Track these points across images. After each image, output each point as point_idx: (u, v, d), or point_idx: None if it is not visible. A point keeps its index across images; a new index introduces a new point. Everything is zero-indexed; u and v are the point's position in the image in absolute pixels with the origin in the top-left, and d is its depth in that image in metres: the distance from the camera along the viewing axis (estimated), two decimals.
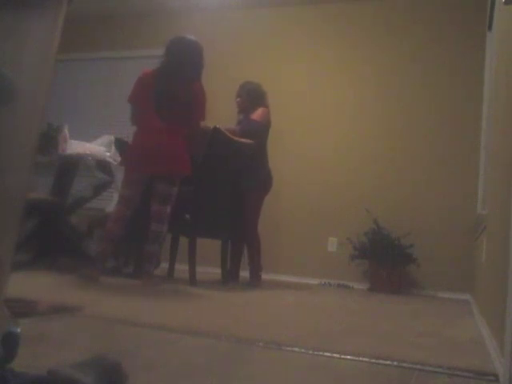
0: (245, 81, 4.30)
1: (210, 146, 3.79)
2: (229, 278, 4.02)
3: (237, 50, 5.65)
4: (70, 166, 4.06)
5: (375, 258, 4.59)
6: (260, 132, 4.08)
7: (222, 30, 5.70)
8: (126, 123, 3.73)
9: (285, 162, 5.06)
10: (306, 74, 5.43)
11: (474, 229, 4.38)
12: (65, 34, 0.92)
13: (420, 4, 5.14)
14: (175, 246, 4.01)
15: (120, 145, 4.09)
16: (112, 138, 4.22)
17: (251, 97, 4.18)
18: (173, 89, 3.46)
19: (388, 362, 1.69)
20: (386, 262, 4.53)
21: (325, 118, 5.30)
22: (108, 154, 4.13)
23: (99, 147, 4.13)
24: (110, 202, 4.69)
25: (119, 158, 3.96)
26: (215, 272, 4.14)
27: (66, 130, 3.98)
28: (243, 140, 3.94)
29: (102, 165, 4.14)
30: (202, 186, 3.81)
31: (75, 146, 3.99)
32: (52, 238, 3.93)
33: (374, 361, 1.70)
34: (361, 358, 1.72)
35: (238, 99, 4.26)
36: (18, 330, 0.92)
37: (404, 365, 1.68)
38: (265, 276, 4.36)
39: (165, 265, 4.02)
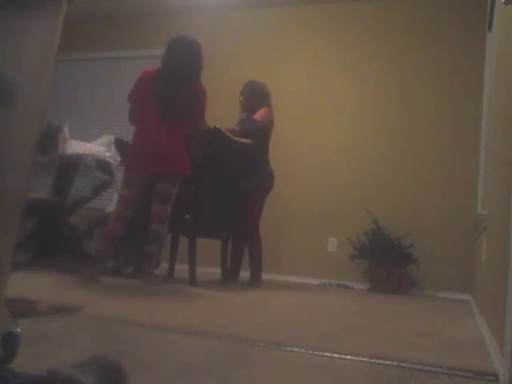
0: (249, 80, 4.29)
1: (209, 146, 3.78)
2: (229, 278, 4.02)
3: (237, 50, 5.65)
4: (70, 166, 4.06)
5: (375, 258, 4.59)
6: (261, 132, 4.07)
7: (222, 30, 5.70)
8: (126, 123, 3.72)
9: (285, 162, 5.06)
10: (306, 74, 5.43)
11: (474, 229, 4.38)
12: (65, 34, 0.92)
13: (420, 4, 5.14)
14: (175, 246, 4.01)
15: (120, 145, 4.09)
16: (112, 138, 4.22)
17: (254, 96, 4.17)
18: (173, 89, 3.46)
19: (388, 362, 1.69)
20: (385, 262, 4.53)
21: (325, 117, 5.30)
22: (108, 154, 4.12)
23: (99, 147, 4.13)
24: (110, 202, 4.69)
25: (119, 158, 3.96)
26: (215, 272, 4.14)
27: (66, 130, 3.97)
28: (243, 140, 3.94)
29: (102, 165, 4.14)
30: (202, 186, 3.81)
31: (75, 146, 3.99)
32: (52, 237, 3.93)
33: (374, 361, 1.70)
34: (361, 358, 1.72)
35: (242, 98, 4.25)
36: (18, 330, 0.92)
37: (404, 365, 1.68)
38: (265, 276, 4.36)
39: (165, 265, 4.02)
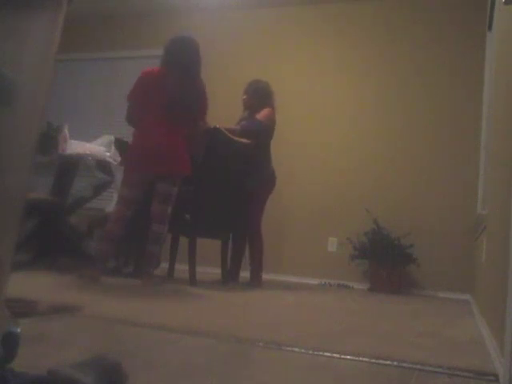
0: (253, 79, 4.29)
1: (209, 146, 3.78)
2: (229, 278, 4.02)
3: (237, 50, 5.66)
4: (70, 166, 4.06)
5: (375, 258, 4.59)
6: (261, 132, 4.07)
7: (222, 30, 5.70)
8: (126, 123, 3.72)
9: (285, 162, 5.06)
10: (306, 74, 5.43)
11: (474, 229, 4.38)
12: (65, 34, 0.92)
13: (420, 4, 5.14)
14: (175, 246, 4.01)
15: (120, 145, 4.09)
16: (112, 138, 4.22)
17: (258, 95, 4.17)
18: (181, 89, 3.45)
19: (388, 362, 1.69)
20: (386, 262, 4.53)
21: (325, 117, 5.30)
22: (108, 154, 4.12)
23: (99, 147, 4.13)
24: (110, 202, 4.68)
25: (119, 158, 3.96)
26: (215, 272, 4.14)
27: (66, 130, 3.97)
28: (243, 140, 3.94)
29: (102, 165, 4.14)
30: (202, 186, 3.81)
31: (75, 146, 3.99)
32: (52, 237, 3.93)
33: (374, 361, 1.70)
34: (361, 358, 1.72)
35: (245, 97, 4.24)
36: (18, 330, 0.92)
37: (404, 365, 1.68)
38: (265, 276, 4.35)
39: (165, 265, 4.02)
